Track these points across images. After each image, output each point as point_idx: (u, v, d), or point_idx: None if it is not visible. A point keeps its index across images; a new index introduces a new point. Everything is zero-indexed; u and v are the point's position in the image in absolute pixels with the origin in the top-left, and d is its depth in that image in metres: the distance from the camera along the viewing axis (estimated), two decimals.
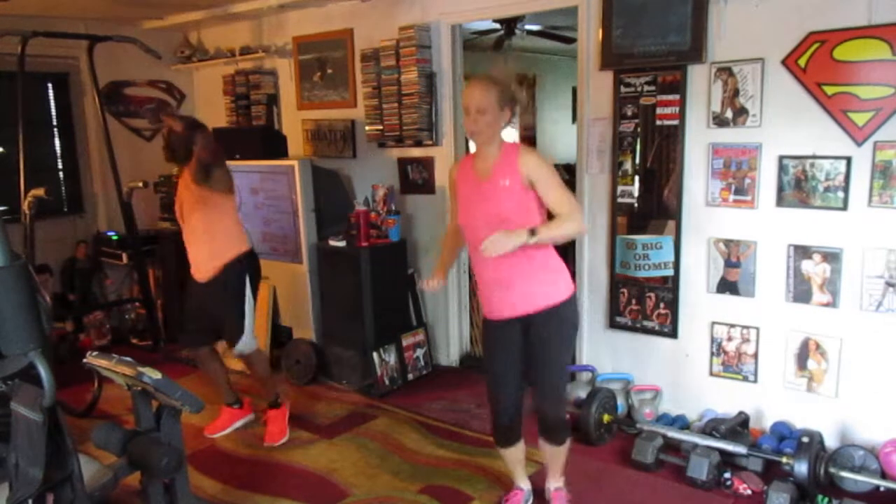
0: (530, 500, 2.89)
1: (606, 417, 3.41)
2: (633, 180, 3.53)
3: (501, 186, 2.43)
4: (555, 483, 2.83)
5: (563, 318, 2.54)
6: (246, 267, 3.42)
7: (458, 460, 3.28)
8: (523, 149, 2.47)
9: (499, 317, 2.57)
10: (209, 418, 3.62)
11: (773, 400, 3.27)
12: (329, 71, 4.78)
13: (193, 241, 3.40)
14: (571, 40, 6.27)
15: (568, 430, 2.72)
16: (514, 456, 2.82)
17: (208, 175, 3.28)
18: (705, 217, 3.33)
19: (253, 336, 3.49)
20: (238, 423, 3.66)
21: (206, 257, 3.36)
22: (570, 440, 2.76)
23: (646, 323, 3.58)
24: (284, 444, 3.50)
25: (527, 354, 2.58)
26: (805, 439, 2.84)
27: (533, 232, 2.32)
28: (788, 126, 3.05)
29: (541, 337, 2.52)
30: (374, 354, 4.11)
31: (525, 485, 2.90)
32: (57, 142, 5.35)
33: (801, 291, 3.12)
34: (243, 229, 3.50)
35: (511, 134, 2.53)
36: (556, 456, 2.77)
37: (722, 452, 3.02)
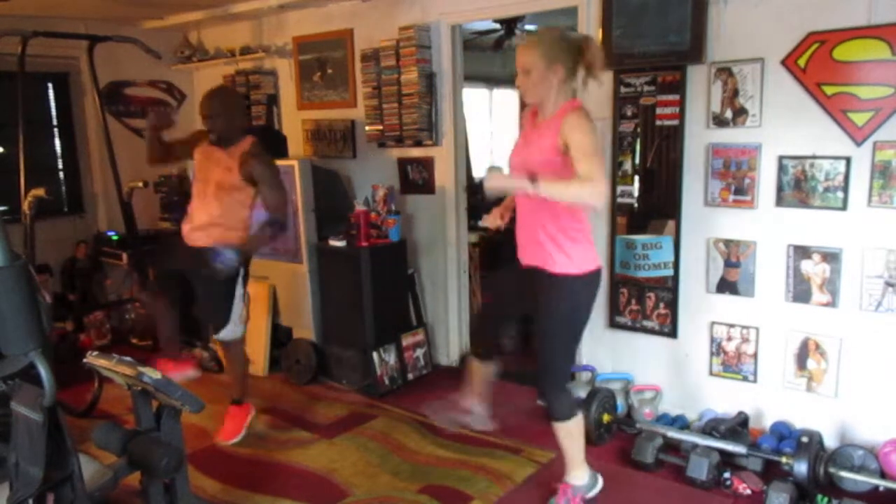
0: None
1: (606, 417, 3.41)
2: (632, 180, 3.53)
3: (540, 140, 2.48)
4: (566, 476, 2.82)
5: (563, 291, 2.54)
6: (242, 258, 3.37)
7: (458, 460, 3.28)
8: (572, 111, 2.42)
9: (521, 259, 2.67)
10: (209, 419, 3.62)
11: (773, 400, 3.27)
12: (329, 71, 4.78)
13: (204, 212, 3.36)
14: None
15: (556, 406, 2.66)
16: (477, 370, 2.93)
17: (254, 181, 3.32)
18: (705, 217, 3.33)
19: (239, 324, 3.46)
20: (249, 419, 3.60)
21: (210, 233, 3.33)
22: (574, 427, 2.70)
23: (646, 323, 3.58)
24: (284, 444, 3.50)
25: (536, 312, 2.62)
26: (804, 439, 2.84)
27: (534, 182, 2.28)
28: (788, 126, 3.05)
29: (543, 301, 2.57)
30: (374, 354, 4.11)
31: (466, 400, 2.97)
32: (57, 142, 5.35)
33: (800, 291, 3.12)
34: (250, 222, 3.47)
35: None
36: (559, 439, 2.75)
37: (722, 452, 3.02)
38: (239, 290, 3.41)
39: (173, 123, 3.80)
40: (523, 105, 3.02)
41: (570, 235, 2.51)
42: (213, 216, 3.34)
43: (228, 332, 3.43)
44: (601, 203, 2.33)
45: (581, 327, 2.68)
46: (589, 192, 2.28)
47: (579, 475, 2.80)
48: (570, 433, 2.72)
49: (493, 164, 2.49)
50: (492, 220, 2.80)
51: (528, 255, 2.64)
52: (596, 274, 2.60)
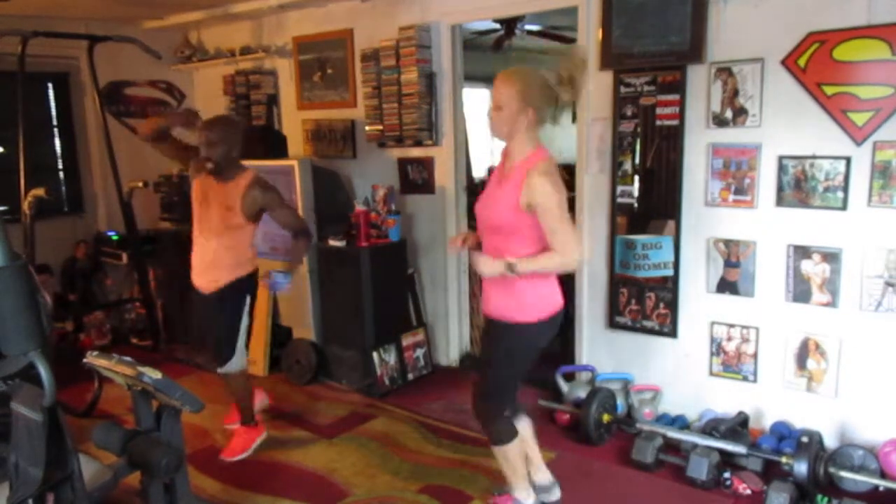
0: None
1: (606, 417, 3.41)
2: (632, 180, 3.53)
3: (504, 195, 2.43)
4: (512, 490, 2.77)
5: (502, 335, 2.54)
6: (247, 287, 3.36)
7: (458, 460, 3.28)
8: (536, 169, 2.36)
9: (484, 311, 2.67)
10: (209, 419, 3.62)
11: (773, 400, 3.27)
12: (329, 71, 4.78)
13: (207, 250, 3.31)
14: (571, 40, 6.27)
15: (491, 431, 2.65)
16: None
17: (259, 216, 3.30)
18: (705, 217, 3.33)
19: (242, 355, 3.41)
20: (258, 441, 3.49)
21: (214, 270, 3.30)
22: (509, 451, 2.66)
23: (645, 323, 3.58)
24: (284, 444, 3.50)
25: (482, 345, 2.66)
26: (804, 439, 2.84)
27: (511, 267, 2.36)
28: (788, 126, 3.05)
29: (490, 337, 2.63)
30: (374, 354, 4.11)
31: (519, 492, 2.76)
32: (57, 142, 5.35)
33: (800, 291, 3.12)
34: (254, 249, 3.44)
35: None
36: (498, 462, 2.74)
37: (721, 452, 3.02)
38: (244, 322, 3.36)
39: (194, 123, 3.70)
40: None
41: (518, 289, 2.46)
42: (220, 254, 3.28)
43: (232, 365, 3.35)
44: (575, 267, 2.46)
45: (529, 362, 2.64)
46: (563, 263, 2.38)
47: (524, 495, 2.76)
48: (506, 456, 2.68)
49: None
50: (451, 243, 2.83)
51: (483, 303, 2.63)
52: (552, 319, 2.54)
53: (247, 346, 3.44)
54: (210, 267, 3.31)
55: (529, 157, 2.42)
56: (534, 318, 2.48)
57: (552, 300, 2.53)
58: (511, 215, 2.40)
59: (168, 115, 3.55)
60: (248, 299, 3.35)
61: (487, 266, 2.42)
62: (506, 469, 2.72)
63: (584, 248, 2.38)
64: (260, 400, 3.71)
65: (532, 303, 2.48)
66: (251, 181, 3.24)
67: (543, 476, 2.87)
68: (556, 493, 2.86)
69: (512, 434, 2.66)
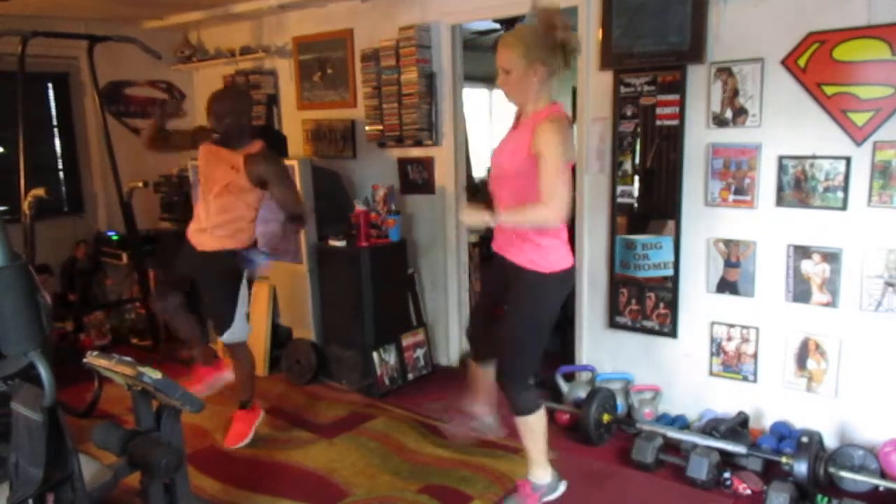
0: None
1: (606, 417, 3.41)
2: (632, 180, 3.53)
3: (514, 141, 2.50)
4: (527, 472, 2.79)
5: (531, 288, 2.54)
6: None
7: (458, 460, 3.28)
8: (548, 119, 2.40)
9: (494, 248, 2.70)
10: (209, 419, 3.62)
11: (773, 400, 3.27)
12: (329, 71, 4.78)
13: (209, 213, 3.33)
14: None
15: (518, 400, 2.64)
16: (479, 374, 2.91)
17: (265, 185, 3.30)
18: (705, 217, 3.33)
19: (244, 325, 3.43)
20: (257, 423, 3.55)
21: (217, 236, 3.32)
22: (535, 421, 2.67)
23: (645, 323, 3.58)
24: (285, 444, 3.50)
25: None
26: (804, 439, 2.84)
27: (494, 215, 2.41)
28: (788, 126, 3.05)
29: (512, 295, 2.60)
30: (374, 354, 4.11)
31: (478, 407, 2.95)
32: (57, 142, 5.35)
33: (800, 291, 3.12)
34: (254, 230, 3.46)
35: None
36: (520, 435, 2.74)
37: (722, 452, 3.02)
38: (244, 292, 3.39)
39: (183, 113, 3.78)
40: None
41: (542, 232, 2.50)
42: (222, 217, 3.30)
43: (233, 334, 3.38)
44: (558, 222, 2.42)
45: (548, 327, 2.68)
46: (544, 215, 2.37)
47: (540, 473, 2.77)
48: (532, 428, 2.69)
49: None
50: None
51: (500, 244, 2.66)
52: (567, 273, 2.59)
53: (247, 316, 3.46)
54: (209, 228, 3.32)
55: (543, 110, 2.46)
56: (555, 268, 2.53)
57: (566, 254, 2.58)
58: (519, 161, 2.44)
59: (153, 119, 3.57)
60: (245, 271, 3.38)
61: (471, 217, 2.48)
62: (528, 441, 2.72)
63: (566, 209, 2.37)
64: (224, 374, 3.67)
65: (548, 255, 2.52)
66: (260, 149, 3.28)
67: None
68: (562, 488, 2.88)
69: (538, 403, 2.67)
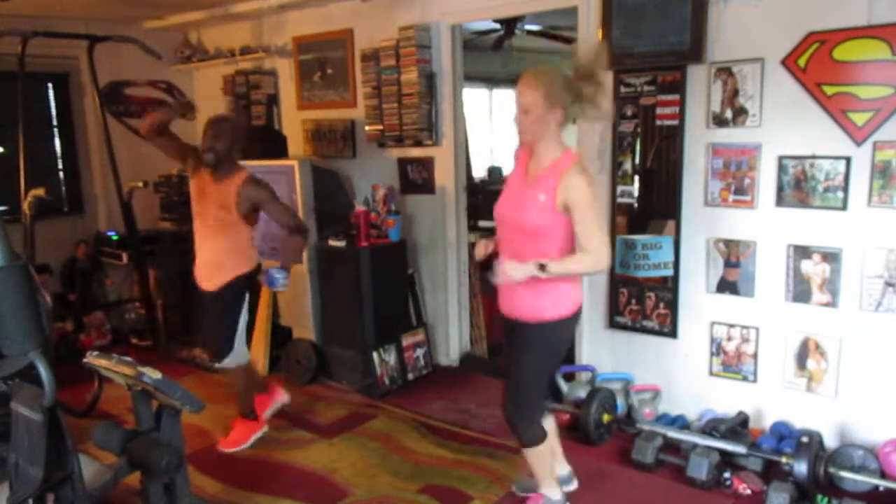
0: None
1: (606, 417, 3.41)
2: (632, 180, 3.53)
3: (538, 200, 2.42)
4: (539, 487, 2.80)
5: (538, 336, 2.53)
6: (246, 285, 3.40)
7: (458, 460, 3.28)
8: (571, 169, 2.38)
9: (502, 309, 2.65)
10: (209, 419, 3.62)
11: (773, 400, 3.27)
12: (329, 71, 4.78)
13: (207, 248, 3.36)
14: (571, 40, 6.27)
15: (525, 436, 2.65)
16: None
17: (255, 214, 3.35)
18: (705, 217, 3.33)
19: (243, 351, 3.44)
20: (257, 436, 3.54)
21: (214, 269, 3.34)
22: (543, 450, 2.69)
23: (645, 323, 3.58)
24: (285, 444, 3.50)
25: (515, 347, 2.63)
26: (804, 439, 2.84)
27: (543, 267, 2.35)
28: (788, 126, 3.05)
29: (518, 342, 2.59)
30: (374, 354, 4.11)
31: (548, 488, 2.79)
32: (57, 142, 5.36)
33: (800, 291, 3.12)
34: (255, 247, 3.47)
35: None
36: (528, 462, 2.76)
37: (721, 452, 3.02)
38: (242, 321, 3.39)
39: (193, 117, 3.78)
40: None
41: (543, 284, 2.44)
42: (219, 252, 3.33)
43: (229, 361, 3.39)
44: (605, 268, 2.42)
45: (558, 363, 2.70)
46: (594, 264, 2.39)
47: (553, 490, 2.78)
48: (539, 456, 2.71)
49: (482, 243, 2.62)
50: (480, 250, 2.73)
51: (506, 305, 2.59)
52: (575, 315, 2.57)
53: (248, 342, 3.47)
54: (209, 266, 3.36)
55: (562, 158, 2.42)
56: (565, 312, 2.50)
57: (576, 294, 2.55)
58: (547, 217, 2.40)
59: (166, 110, 3.58)
60: (246, 297, 3.40)
61: (517, 271, 2.39)
62: (536, 468, 2.75)
63: (609, 253, 2.39)
64: (281, 398, 3.73)
65: (561, 298, 2.49)
66: (245, 179, 3.30)
67: (564, 467, 2.94)
68: (575, 483, 2.93)
69: (543, 436, 2.68)
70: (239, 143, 3.39)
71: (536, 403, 2.66)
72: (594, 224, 2.37)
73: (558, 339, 2.58)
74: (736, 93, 3.14)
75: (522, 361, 2.58)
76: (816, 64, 2.93)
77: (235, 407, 3.58)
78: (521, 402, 2.62)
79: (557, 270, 2.37)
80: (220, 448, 3.45)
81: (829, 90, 2.92)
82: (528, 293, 2.47)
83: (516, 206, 2.50)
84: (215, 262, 3.34)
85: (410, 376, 4.31)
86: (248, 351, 3.56)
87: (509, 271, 2.40)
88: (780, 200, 3.11)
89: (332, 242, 4.23)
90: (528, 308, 2.50)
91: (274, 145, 4.62)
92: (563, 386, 3.75)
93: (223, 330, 3.36)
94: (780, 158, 3.08)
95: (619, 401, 3.59)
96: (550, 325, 2.50)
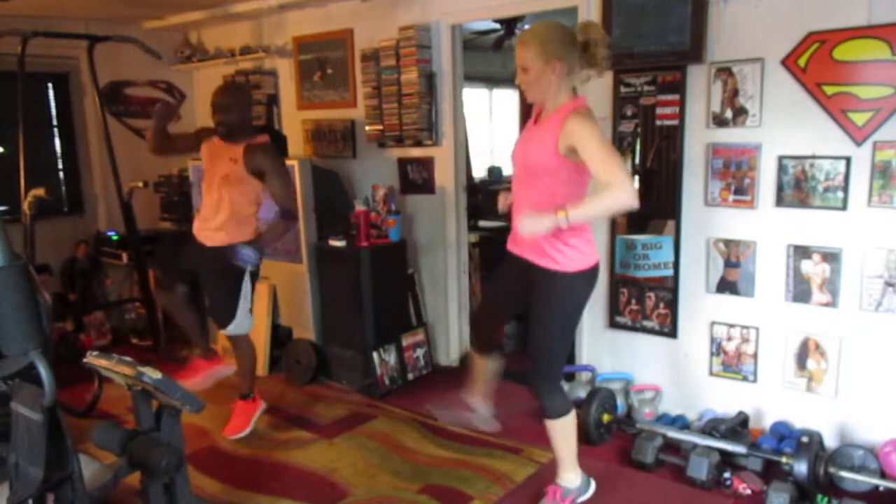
0: None
1: (606, 417, 3.41)
2: (632, 180, 3.53)
3: (540, 139, 2.44)
4: (557, 478, 2.80)
5: (559, 290, 2.52)
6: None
7: (458, 460, 3.28)
8: (572, 115, 2.34)
9: (512, 249, 2.64)
10: (209, 419, 3.62)
11: (773, 400, 3.27)
12: (329, 71, 4.78)
13: (214, 207, 3.38)
14: None
15: (550, 404, 2.64)
16: (479, 366, 2.92)
17: (262, 177, 3.35)
18: (705, 217, 3.33)
19: (248, 318, 3.47)
20: (257, 415, 3.60)
21: (219, 229, 3.36)
22: (567, 424, 2.68)
23: (645, 323, 3.58)
24: (285, 444, 3.50)
25: (528, 308, 2.62)
26: (804, 439, 2.84)
27: (564, 214, 2.25)
28: (788, 126, 3.05)
29: (538, 293, 2.55)
30: (374, 354, 4.11)
31: (473, 398, 2.95)
32: (57, 142, 5.35)
33: (800, 291, 3.12)
34: (258, 221, 3.49)
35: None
36: (551, 438, 2.74)
37: (722, 452, 3.02)
38: (246, 286, 3.42)
39: (178, 117, 3.83)
40: (524, 104, 3.00)
41: (568, 232, 2.43)
42: (222, 211, 3.36)
43: (235, 327, 3.43)
44: (634, 202, 2.23)
45: (576, 324, 2.69)
46: (617, 198, 2.23)
47: (571, 477, 2.78)
48: (564, 431, 2.69)
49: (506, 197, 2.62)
50: (501, 202, 2.74)
51: (522, 246, 2.59)
52: (592, 270, 2.56)
53: (250, 310, 3.50)
54: (212, 223, 3.37)
55: (565, 106, 2.42)
56: (583, 266, 2.50)
57: (591, 252, 2.54)
58: (548, 160, 2.40)
59: (153, 125, 3.58)
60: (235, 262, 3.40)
61: (536, 223, 2.30)
62: (558, 445, 2.72)
63: (633, 187, 2.26)
64: (222, 368, 3.71)
65: (576, 253, 2.48)
66: (259, 142, 3.33)
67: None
68: (592, 488, 2.92)
69: (569, 406, 2.67)
70: (249, 110, 3.43)
71: (559, 369, 2.65)
72: (602, 157, 2.24)
73: (575, 293, 2.55)
74: (736, 93, 3.14)
75: (543, 317, 2.56)
76: (816, 64, 2.93)
77: (237, 389, 3.60)
78: (545, 366, 2.61)
79: (580, 214, 2.26)
80: (225, 435, 3.49)
81: (829, 90, 2.92)
82: (543, 245, 2.47)
83: (524, 149, 2.53)
84: (217, 219, 3.35)
85: (410, 376, 4.31)
86: (252, 319, 3.57)
87: (528, 223, 2.31)
88: (780, 200, 3.11)
89: (332, 242, 4.23)
90: (545, 261, 2.50)
91: (274, 145, 4.61)
92: (564, 386, 3.74)
93: (226, 295, 3.38)
94: (780, 158, 3.08)
95: (619, 401, 3.59)
96: (568, 277, 2.49)
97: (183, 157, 4.78)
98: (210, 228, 3.40)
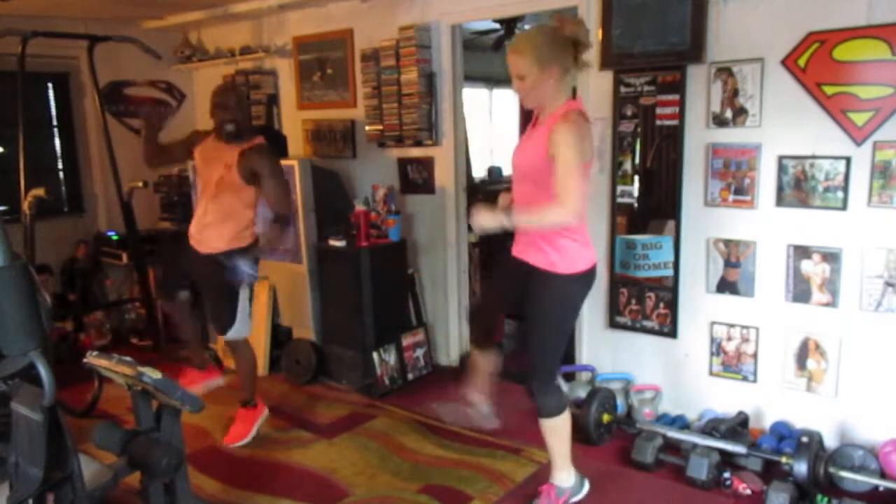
0: None
1: (606, 417, 3.41)
2: (632, 180, 3.53)
3: (534, 143, 2.49)
4: (551, 477, 2.81)
5: (554, 290, 2.56)
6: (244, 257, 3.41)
7: (458, 460, 3.28)
8: (562, 120, 2.40)
9: (514, 252, 2.68)
10: (209, 419, 3.62)
11: (773, 400, 3.27)
12: (329, 71, 4.78)
13: (209, 212, 3.35)
14: None
15: (546, 403, 2.66)
16: (478, 362, 2.91)
17: (257, 181, 3.32)
18: (705, 217, 3.33)
19: (247, 323, 3.47)
20: (259, 423, 3.58)
21: (215, 235, 3.33)
22: (561, 423, 2.70)
23: (645, 323, 3.58)
24: (285, 444, 3.50)
25: (525, 310, 2.65)
26: (804, 439, 2.84)
27: (507, 215, 2.43)
28: (788, 126, 3.05)
29: (534, 293, 2.60)
30: (374, 354, 4.11)
31: (474, 395, 2.95)
32: (57, 142, 5.35)
33: (800, 291, 3.12)
34: (253, 227, 3.46)
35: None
36: (545, 437, 2.75)
37: (721, 452, 3.02)
38: (244, 291, 3.41)
39: (162, 126, 3.81)
40: (523, 107, 3.03)
41: (564, 233, 2.50)
42: (217, 214, 3.33)
43: (235, 332, 3.42)
44: (573, 221, 2.39)
45: (571, 325, 2.72)
46: (555, 214, 2.37)
47: (564, 476, 2.79)
48: (557, 430, 2.71)
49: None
50: (501, 201, 2.78)
51: (521, 248, 2.65)
52: (588, 273, 2.59)
53: (249, 314, 3.50)
54: (207, 229, 3.35)
55: (560, 108, 2.46)
56: (581, 268, 2.54)
57: (587, 252, 2.58)
58: (540, 163, 2.44)
59: (143, 135, 3.56)
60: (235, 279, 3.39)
61: (486, 219, 2.45)
62: (552, 444, 2.74)
63: (580, 208, 2.39)
64: (214, 380, 3.71)
65: (572, 254, 2.52)
66: (255, 144, 3.31)
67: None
68: (586, 488, 2.92)
69: (564, 405, 2.69)
70: (248, 110, 3.48)
71: (554, 368, 2.68)
72: (563, 175, 2.34)
73: (570, 294, 2.60)
74: (736, 93, 3.14)
75: (537, 316, 2.60)
76: (816, 64, 2.93)
77: (238, 396, 3.58)
78: (541, 365, 2.63)
79: (522, 219, 2.46)
80: (225, 443, 3.46)
81: (829, 90, 2.92)
82: (540, 245, 2.53)
83: (519, 153, 2.62)
84: (213, 226, 3.32)
85: (410, 376, 4.31)
86: (251, 324, 3.56)
87: (479, 217, 2.46)
88: (780, 200, 3.11)
89: (332, 242, 4.23)
90: (541, 261, 2.54)
91: (274, 145, 4.61)
92: (563, 386, 3.75)
93: (224, 301, 3.36)
94: (780, 158, 3.08)
95: (619, 401, 3.59)
96: (563, 278, 2.52)
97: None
98: (205, 233, 3.35)
